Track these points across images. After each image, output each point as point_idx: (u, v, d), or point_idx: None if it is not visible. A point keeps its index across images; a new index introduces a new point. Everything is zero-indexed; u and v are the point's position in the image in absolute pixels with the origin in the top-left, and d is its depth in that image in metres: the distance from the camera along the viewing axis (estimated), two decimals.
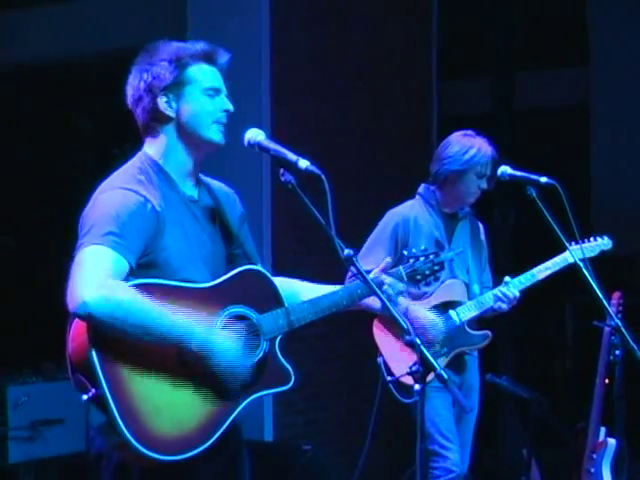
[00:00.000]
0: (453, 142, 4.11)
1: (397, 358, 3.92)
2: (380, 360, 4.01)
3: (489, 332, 4.10)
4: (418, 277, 3.01)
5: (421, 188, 4.20)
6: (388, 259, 2.99)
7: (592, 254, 3.97)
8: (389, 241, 4.07)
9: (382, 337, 4.03)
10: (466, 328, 4.05)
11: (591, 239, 3.85)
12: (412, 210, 4.14)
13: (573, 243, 3.86)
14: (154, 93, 2.69)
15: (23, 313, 7.10)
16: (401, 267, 2.99)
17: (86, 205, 2.65)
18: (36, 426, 4.92)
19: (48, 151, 7.55)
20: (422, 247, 3.08)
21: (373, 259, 3.76)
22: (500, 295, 3.97)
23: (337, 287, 2.87)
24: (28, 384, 4.97)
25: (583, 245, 3.83)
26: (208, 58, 2.74)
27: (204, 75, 2.72)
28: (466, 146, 4.06)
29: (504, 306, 3.97)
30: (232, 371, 2.56)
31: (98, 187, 2.67)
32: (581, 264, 3.50)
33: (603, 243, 4.06)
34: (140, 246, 2.57)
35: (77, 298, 2.42)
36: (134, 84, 2.73)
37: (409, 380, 3.82)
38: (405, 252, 3.04)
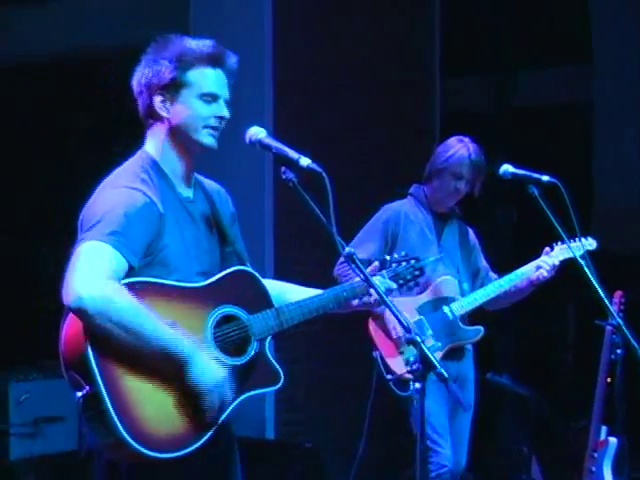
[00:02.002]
0: (443, 143, 4.30)
1: (393, 353, 4.00)
2: (376, 354, 4.06)
3: (482, 327, 4.21)
4: (400, 281, 3.06)
5: (412, 188, 4.36)
6: (376, 263, 3.03)
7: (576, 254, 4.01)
8: (380, 234, 4.21)
9: (378, 332, 4.09)
10: (459, 323, 4.16)
11: (575, 240, 3.87)
12: (403, 206, 4.30)
13: (559, 242, 3.97)
14: (151, 90, 2.70)
15: (25, 310, 7.11)
16: (384, 271, 3.02)
17: (87, 201, 2.65)
18: (38, 423, 4.93)
19: (47, 149, 7.55)
20: (402, 253, 3.13)
21: (361, 251, 3.87)
22: (541, 264, 4.10)
23: (323, 290, 2.89)
24: (30, 381, 4.99)
25: (565, 246, 4.00)
26: (214, 61, 2.71)
27: (204, 80, 2.70)
28: (449, 146, 4.24)
29: (545, 273, 4.10)
30: (207, 394, 2.54)
31: (101, 183, 2.67)
32: (583, 261, 3.51)
33: (588, 243, 4.10)
34: (142, 247, 2.57)
35: (74, 292, 2.43)
36: (138, 76, 2.74)
37: (406, 374, 3.89)
38: (387, 257, 3.09)
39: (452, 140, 4.28)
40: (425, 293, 4.14)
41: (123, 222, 2.53)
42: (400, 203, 4.32)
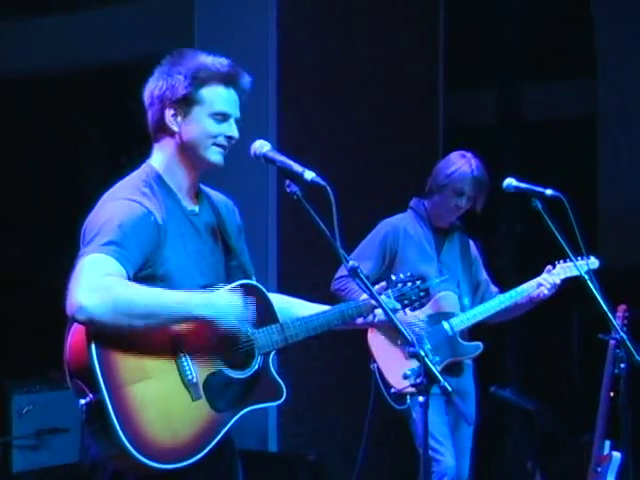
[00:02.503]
0: (445, 158, 4.26)
1: (391, 366, 4.01)
2: (374, 367, 4.08)
3: (480, 343, 4.21)
4: (405, 302, 3.07)
5: (412, 202, 4.33)
6: (383, 283, 3.04)
7: (577, 273, 4.01)
8: (377, 250, 4.19)
9: (375, 344, 4.10)
10: (458, 339, 4.16)
11: (578, 258, 3.86)
12: (403, 221, 4.27)
13: (561, 261, 3.98)
14: (164, 104, 2.70)
15: (30, 321, 7.11)
16: (390, 291, 3.03)
17: (90, 213, 2.66)
18: (41, 435, 4.92)
19: (56, 159, 7.58)
20: (408, 273, 3.14)
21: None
22: (542, 282, 4.09)
23: (328, 307, 2.90)
24: (33, 393, 4.98)
25: (567, 265, 4.04)
26: (228, 80, 2.72)
27: (217, 98, 2.70)
28: (451, 162, 4.20)
29: (546, 291, 4.09)
30: (240, 324, 2.61)
31: (102, 196, 2.69)
32: (586, 276, 3.52)
33: (591, 262, 4.08)
34: (140, 257, 2.58)
35: (75, 303, 2.43)
36: (151, 88, 2.74)
37: (404, 386, 3.90)
38: (393, 277, 3.10)
39: (454, 155, 4.24)
40: (425, 307, 4.05)
41: (120, 232, 2.54)
42: (399, 218, 4.30)
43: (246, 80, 2.75)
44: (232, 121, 2.73)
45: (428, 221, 4.26)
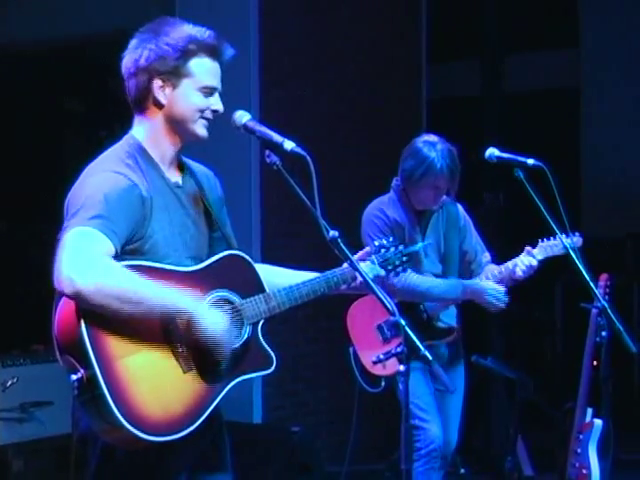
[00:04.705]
0: (413, 149, 4.09)
1: (367, 350, 4.01)
2: (351, 350, 4.10)
3: (455, 325, 4.20)
4: (389, 267, 3.07)
5: (394, 182, 4.24)
6: (367, 248, 3.05)
7: (559, 252, 4.00)
8: (380, 234, 4.04)
9: (354, 327, 4.12)
10: (432, 322, 4.14)
11: (563, 236, 3.83)
12: (387, 207, 4.18)
13: (544, 240, 3.95)
14: (151, 75, 2.66)
15: (12, 296, 7.10)
16: (374, 256, 3.04)
17: (72, 185, 2.64)
18: (26, 408, 4.93)
19: (40, 135, 7.53)
20: (390, 238, 3.14)
21: None
22: (518, 263, 4.01)
23: (314, 274, 2.90)
24: (17, 366, 4.98)
25: (549, 243, 3.98)
26: (214, 52, 2.70)
27: (205, 71, 2.69)
28: (419, 159, 4.04)
29: (520, 273, 4.01)
30: (217, 344, 2.58)
31: (85, 168, 2.66)
32: (570, 249, 3.52)
33: (575, 241, 4.02)
34: (127, 231, 2.56)
35: (66, 278, 2.42)
36: (134, 57, 2.68)
37: (378, 370, 3.93)
38: (376, 242, 3.09)
39: (421, 147, 4.06)
40: None
41: (106, 206, 2.52)
42: (384, 202, 4.20)
43: (229, 52, 2.74)
44: (217, 95, 2.73)
45: (409, 204, 4.17)
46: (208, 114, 2.71)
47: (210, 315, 2.57)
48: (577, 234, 4.02)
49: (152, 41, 2.66)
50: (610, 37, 8.43)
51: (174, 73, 2.65)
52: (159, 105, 2.68)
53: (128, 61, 2.69)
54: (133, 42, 2.69)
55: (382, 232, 4.06)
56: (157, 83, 2.66)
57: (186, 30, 2.68)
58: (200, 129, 2.71)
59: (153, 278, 2.54)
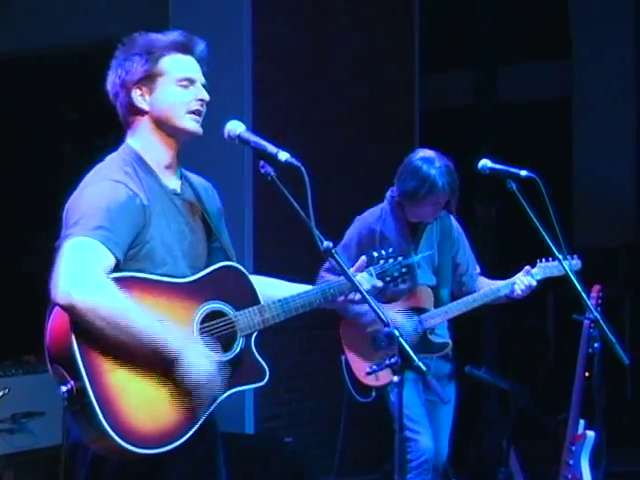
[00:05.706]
0: (411, 172, 4.02)
1: (359, 360, 4.03)
2: (343, 359, 4.10)
3: (449, 341, 4.19)
4: (387, 278, 3.07)
5: (388, 193, 4.20)
6: (363, 258, 3.04)
7: (558, 274, 4.00)
8: (355, 250, 4.06)
9: (347, 337, 4.12)
10: (428, 336, 4.12)
11: (560, 258, 3.82)
12: (379, 221, 4.15)
13: (543, 260, 3.97)
14: (128, 87, 2.70)
15: (4, 305, 7.07)
16: (372, 268, 3.03)
17: (71, 195, 2.64)
18: (17, 419, 4.90)
19: (34, 143, 7.51)
20: (390, 249, 3.12)
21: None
22: (517, 282, 4.05)
23: (310, 286, 2.89)
24: (8, 376, 4.95)
25: (548, 264, 4.01)
26: (183, 48, 2.73)
27: (178, 65, 2.71)
28: (419, 179, 3.98)
29: (519, 292, 4.05)
30: (199, 389, 2.54)
31: (84, 177, 2.66)
32: (570, 272, 3.48)
33: (574, 264, 4.03)
34: (128, 240, 2.57)
35: (62, 290, 2.42)
36: (111, 80, 2.74)
37: (370, 381, 3.94)
38: (375, 253, 3.07)
39: (420, 165, 3.99)
40: (399, 302, 4.07)
41: (108, 216, 2.53)
42: (374, 216, 4.17)
43: (201, 47, 2.76)
44: (199, 85, 2.74)
45: (403, 216, 4.14)
46: (194, 106, 2.71)
47: (198, 359, 2.54)
48: (576, 257, 4.05)
49: (121, 59, 2.71)
50: (602, 48, 8.47)
51: (147, 77, 2.69)
52: (143, 112, 2.70)
53: (109, 86, 2.75)
54: (110, 69, 2.74)
55: (360, 245, 4.05)
56: (136, 93, 2.70)
57: (151, 36, 2.73)
58: (189, 123, 2.71)
59: (145, 291, 2.54)
